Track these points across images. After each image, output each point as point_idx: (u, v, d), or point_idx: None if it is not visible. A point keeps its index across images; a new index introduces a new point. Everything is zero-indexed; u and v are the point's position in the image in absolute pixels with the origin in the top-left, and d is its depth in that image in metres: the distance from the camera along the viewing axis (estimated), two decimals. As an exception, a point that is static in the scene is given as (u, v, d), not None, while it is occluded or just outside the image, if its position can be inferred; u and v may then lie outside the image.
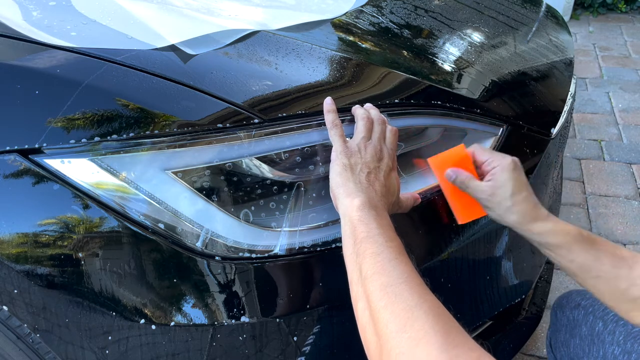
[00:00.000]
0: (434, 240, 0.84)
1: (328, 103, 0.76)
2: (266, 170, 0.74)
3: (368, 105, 0.79)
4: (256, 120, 0.74)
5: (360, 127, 0.74)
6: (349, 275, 0.60)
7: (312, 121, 0.76)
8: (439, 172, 0.79)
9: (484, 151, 0.78)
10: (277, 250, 0.72)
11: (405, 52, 1.01)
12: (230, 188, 0.72)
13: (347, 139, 0.73)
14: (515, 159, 0.75)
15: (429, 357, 0.47)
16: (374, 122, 0.75)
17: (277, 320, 0.74)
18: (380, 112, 0.81)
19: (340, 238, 0.70)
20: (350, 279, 0.60)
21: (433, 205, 0.84)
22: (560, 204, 1.52)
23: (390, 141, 0.75)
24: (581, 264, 0.70)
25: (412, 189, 0.82)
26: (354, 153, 0.71)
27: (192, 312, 0.72)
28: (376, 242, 0.59)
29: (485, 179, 0.75)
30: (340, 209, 0.67)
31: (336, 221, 0.75)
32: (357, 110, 0.77)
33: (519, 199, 0.72)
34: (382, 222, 0.63)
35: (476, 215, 0.79)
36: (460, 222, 0.81)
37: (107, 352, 0.74)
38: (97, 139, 0.70)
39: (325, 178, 0.74)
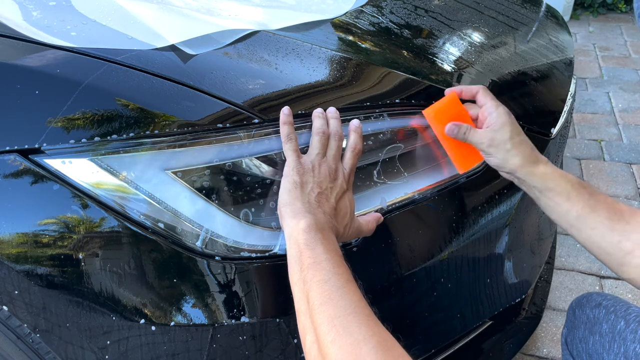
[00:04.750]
0: (434, 240, 0.84)
1: (285, 114, 0.72)
2: (266, 170, 0.74)
3: (331, 111, 0.75)
4: (256, 120, 0.74)
5: (315, 143, 0.71)
6: (295, 304, 0.59)
7: (311, 121, 0.75)
8: (436, 123, 0.81)
9: (486, 93, 0.80)
10: (277, 250, 0.72)
11: (405, 52, 1.01)
12: (230, 188, 0.72)
13: (303, 155, 0.71)
14: (506, 108, 0.78)
15: None
16: (330, 137, 0.72)
17: (277, 320, 0.74)
18: (380, 111, 0.80)
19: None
20: (298, 309, 0.58)
21: (432, 205, 0.84)
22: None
23: (349, 161, 0.73)
24: (578, 214, 0.70)
25: (412, 189, 0.82)
26: (307, 170, 0.68)
27: (192, 312, 0.72)
28: (323, 268, 0.58)
29: (483, 127, 0.77)
30: (286, 230, 0.65)
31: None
32: (315, 120, 0.74)
33: (518, 141, 0.75)
34: (329, 246, 0.61)
35: (475, 162, 0.82)
36: (460, 172, 0.82)
37: (107, 352, 0.74)
38: (97, 139, 0.70)
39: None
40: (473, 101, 0.82)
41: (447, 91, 0.83)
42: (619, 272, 0.69)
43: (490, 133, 0.76)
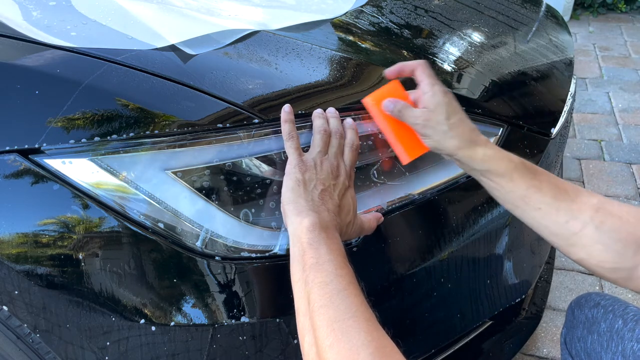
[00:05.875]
0: (434, 240, 0.84)
1: (286, 111, 0.72)
2: (266, 170, 0.74)
3: (330, 111, 0.76)
4: (256, 120, 0.74)
5: (317, 141, 0.72)
6: (296, 304, 0.59)
7: (311, 121, 0.75)
8: (376, 109, 0.76)
9: (424, 70, 0.75)
10: (277, 250, 0.72)
11: (405, 52, 1.01)
12: (230, 188, 0.72)
13: (304, 153, 0.71)
14: (446, 89, 0.73)
15: None
16: (331, 134, 0.73)
17: (277, 320, 0.74)
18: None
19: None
20: (298, 309, 0.58)
21: (432, 205, 0.84)
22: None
23: (349, 158, 0.73)
24: (522, 195, 0.68)
25: (412, 189, 0.82)
26: (309, 168, 0.68)
27: (192, 312, 0.72)
28: (325, 269, 0.57)
29: (419, 106, 0.73)
30: (289, 228, 0.64)
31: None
32: (315, 120, 0.74)
33: (455, 121, 0.70)
34: (333, 246, 0.61)
35: (418, 152, 0.76)
36: (404, 162, 0.77)
37: (107, 352, 0.74)
38: (97, 139, 0.70)
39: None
40: None
41: (386, 72, 0.79)
42: (569, 253, 0.67)
43: (426, 113, 0.71)
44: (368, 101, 0.77)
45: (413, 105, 0.75)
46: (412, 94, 0.77)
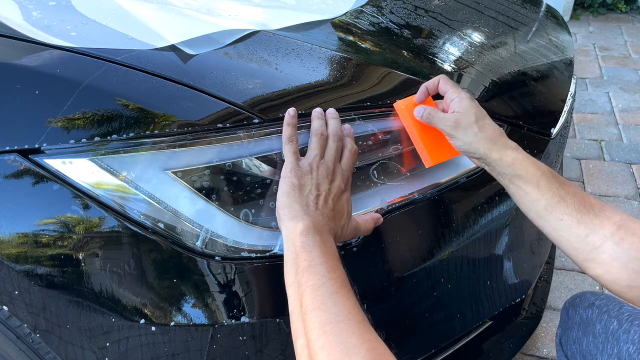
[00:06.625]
0: (434, 240, 0.84)
1: (290, 115, 0.73)
2: (266, 171, 0.74)
3: (330, 112, 0.76)
4: (256, 120, 0.74)
5: (313, 144, 0.72)
6: (289, 306, 0.59)
7: (310, 122, 0.75)
8: (405, 114, 0.81)
9: (446, 81, 0.78)
10: (277, 250, 0.72)
11: (405, 52, 1.01)
12: (230, 188, 0.72)
13: (301, 157, 0.71)
14: (468, 94, 0.76)
15: None
16: (328, 138, 0.73)
17: (277, 320, 0.74)
18: (380, 112, 0.80)
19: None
20: (291, 311, 0.58)
21: (432, 205, 0.84)
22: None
23: (347, 162, 0.73)
24: (547, 204, 0.68)
25: (412, 189, 0.82)
26: (305, 173, 0.68)
27: (192, 312, 0.72)
28: (318, 272, 0.58)
29: (449, 112, 0.76)
30: (284, 232, 0.65)
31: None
32: (314, 121, 0.74)
33: (484, 123, 0.73)
34: (326, 249, 0.61)
35: (442, 158, 0.80)
36: (427, 166, 0.81)
37: (107, 352, 0.74)
38: (97, 139, 0.70)
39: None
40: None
41: (417, 100, 0.83)
42: (586, 268, 0.67)
43: (455, 116, 0.74)
44: (399, 105, 0.81)
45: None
46: (440, 104, 0.80)
